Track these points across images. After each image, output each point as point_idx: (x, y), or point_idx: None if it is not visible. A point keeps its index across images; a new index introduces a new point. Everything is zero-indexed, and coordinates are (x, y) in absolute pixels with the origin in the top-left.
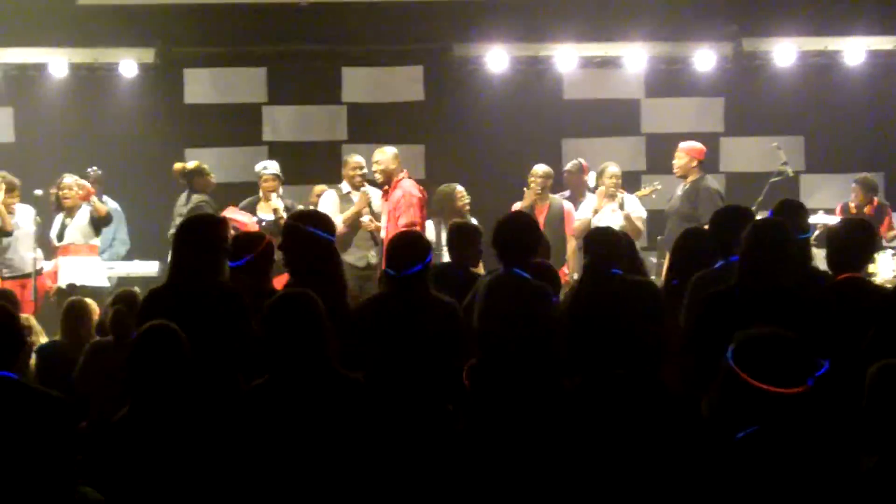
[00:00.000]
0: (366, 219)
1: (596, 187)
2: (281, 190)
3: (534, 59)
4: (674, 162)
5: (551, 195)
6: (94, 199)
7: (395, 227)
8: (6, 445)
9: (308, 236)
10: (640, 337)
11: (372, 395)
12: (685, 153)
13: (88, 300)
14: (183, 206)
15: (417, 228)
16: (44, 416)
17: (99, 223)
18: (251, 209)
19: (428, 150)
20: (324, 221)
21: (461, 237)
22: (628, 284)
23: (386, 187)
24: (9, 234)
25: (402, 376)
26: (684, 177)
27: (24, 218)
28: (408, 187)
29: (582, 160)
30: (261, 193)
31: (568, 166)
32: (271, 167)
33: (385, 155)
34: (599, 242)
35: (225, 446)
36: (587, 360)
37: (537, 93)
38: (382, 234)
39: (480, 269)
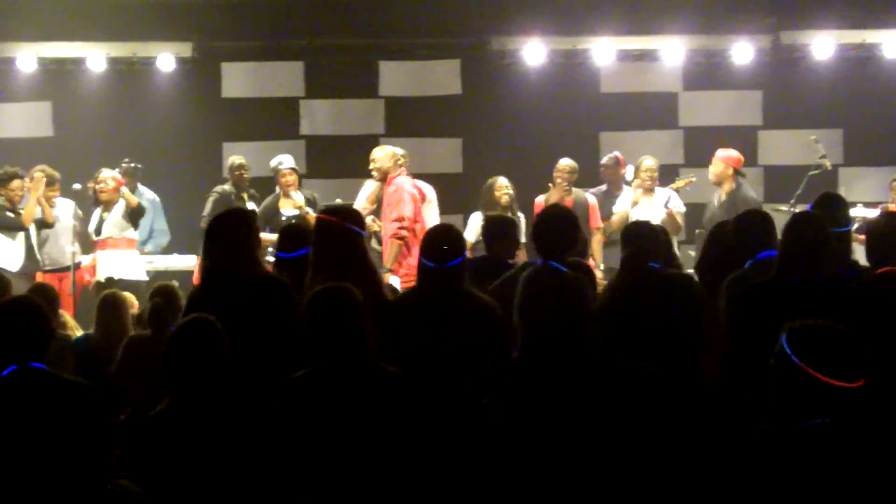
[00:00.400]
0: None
1: (633, 181)
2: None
3: (571, 53)
4: (710, 169)
5: (575, 189)
6: (123, 189)
7: (388, 223)
8: (36, 435)
9: (340, 231)
10: (677, 331)
11: (410, 388)
12: (721, 161)
13: (127, 294)
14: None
15: (407, 224)
16: (73, 405)
17: (133, 215)
18: (273, 207)
19: (465, 143)
20: (354, 215)
21: (493, 230)
22: (666, 278)
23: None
24: (50, 226)
25: (439, 369)
26: (719, 184)
27: (63, 212)
28: (400, 183)
29: (618, 154)
30: (279, 189)
31: (604, 160)
32: (287, 161)
33: (381, 152)
34: (637, 236)
35: (264, 439)
36: (623, 355)
37: (574, 86)
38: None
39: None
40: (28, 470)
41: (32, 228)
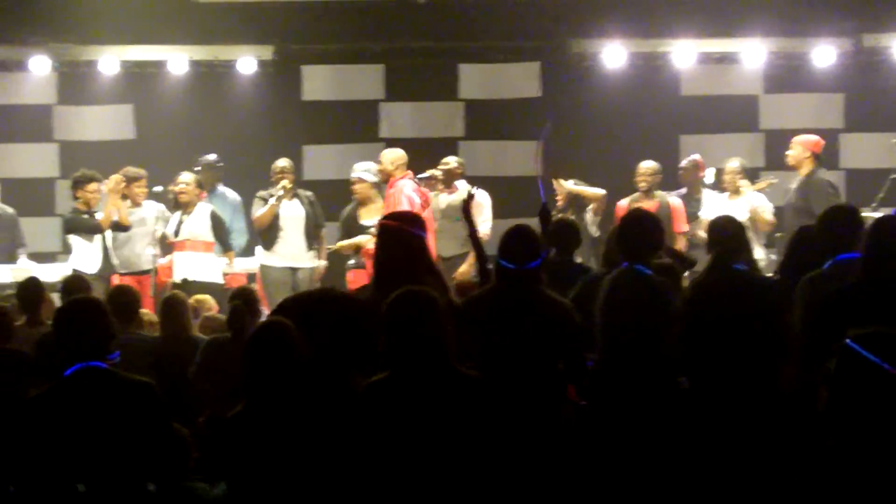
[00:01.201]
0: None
1: (713, 184)
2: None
3: (651, 55)
4: (788, 153)
5: (658, 192)
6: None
7: None
8: (97, 434)
9: (400, 234)
10: (757, 336)
11: (489, 391)
12: (800, 144)
13: (205, 297)
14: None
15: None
16: (133, 404)
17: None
18: (352, 216)
19: (544, 146)
20: (414, 219)
21: (563, 231)
22: (751, 281)
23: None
24: (125, 229)
25: (515, 371)
26: (797, 168)
27: (149, 214)
28: (401, 186)
29: (697, 157)
30: (356, 197)
31: (683, 163)
32: (364, 174)
33: (386, 156)
34: (724, 235)
35: (341, 443)
36: (704, 357)
37: (654, 89)
38: None
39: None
40: (89, 468)
41: (108, 231)
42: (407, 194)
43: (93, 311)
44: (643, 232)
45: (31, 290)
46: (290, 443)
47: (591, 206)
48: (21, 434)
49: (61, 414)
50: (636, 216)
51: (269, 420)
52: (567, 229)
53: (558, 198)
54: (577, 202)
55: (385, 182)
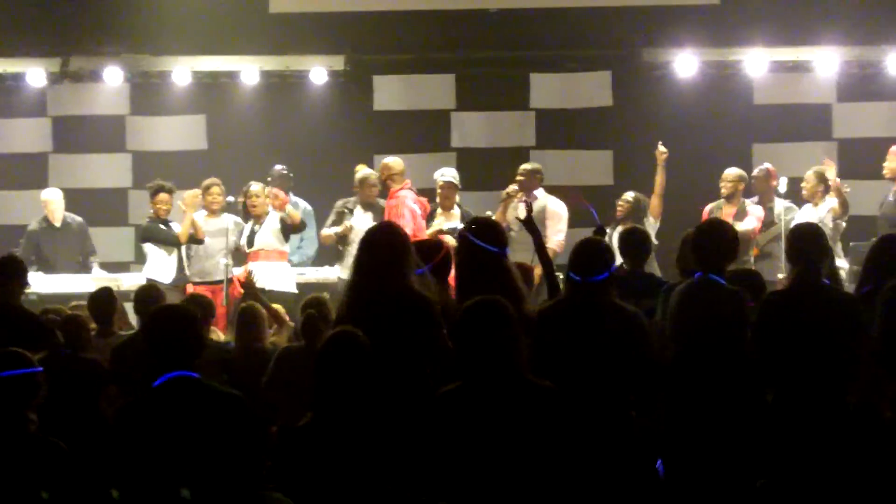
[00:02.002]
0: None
1: (786, 193)
2: (458, 197)
3: (723, 64)
4: (885, 164)
5: (743, 199)
6: (289, 208)
7: None
8: (188, 444)
9: (473, 247)
10: (833, 354)
11: (562, 402)
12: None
13: (278, 306)
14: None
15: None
16: (224, 415)
17: (290, 231)
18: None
19: (616, 155)
20: (488, 231)
21: (632, 241)
22: (838, 298)
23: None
24: (200, 242)
25: (587, 383)
26: (894, 179)
27: (223, 224)
28: (402, 197)
29: (769, 166)
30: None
31: (755, 172)
32: (448, 174)
33: (393, 160)
34: (808, 242)
35: (412, 453)
36: (782, 370)
37: (727, 98)
38: None
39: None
40: (180, 478)
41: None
42: (409, 206)
43: (185, 320)
44: (718, 242)
45: (103, 300)
46: (358, 453)
47: (649, 211)
48: (114, 441)
49: (152, 423)
50: (712, 225)
51: (337, 431)
52: (637, 239)
53: (619, 209)
54: (636, 212)
55: (385, 191)
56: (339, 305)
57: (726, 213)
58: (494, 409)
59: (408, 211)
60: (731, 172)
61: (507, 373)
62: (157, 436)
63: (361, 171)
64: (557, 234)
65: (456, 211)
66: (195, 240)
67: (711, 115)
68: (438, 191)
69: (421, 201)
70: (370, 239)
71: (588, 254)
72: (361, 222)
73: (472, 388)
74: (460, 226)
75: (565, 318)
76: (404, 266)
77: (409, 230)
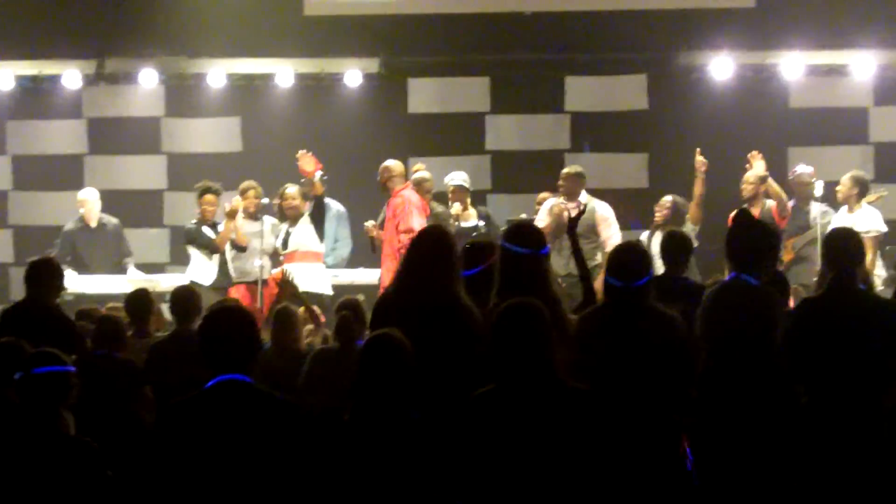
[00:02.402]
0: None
1: (822, 197)
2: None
3: (759, 67)
4: None
5: (765, 200)
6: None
7: (395, 234)
8: (237, 450)
9: (505, 252)
10: (875, 359)
11: (599, 405)
12: None
13: (315, 307)
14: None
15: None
16: (275, 422)
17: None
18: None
19: (651, 158)
20: (521, 235)
21: (673, 245)
22: (872, 302)
23: None
24: (243, 249)
25: (628, 388)
26: None
27: (262, 226)
28: (407, 196)
29: (806, 169)
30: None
31: (792, 175)
32: (458, 178)
33: (394, 163)
34: (845, 247)
35: (446, 454)
36: (816, 375)
37: (762, 101)
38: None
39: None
40: (224, 484)
41: (227, 246)
42: (415, 204)
43: (240, 320)
44: (753, 241)
45: (140, 300)
46: (395, 454)
47: (688, 217)
48: (155, 440)
49: (199, 425)
50: (744, 224)
51: (374, 431)
52: (677, 243)
53: (658, 215)
54: (676, 216)
55: (386, 190)
56: (378, 305)
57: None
58: (529, 412)
59: (415, 208)
60: (752, 174)
61: (542, 375)
62: (203, 439)
63: (419, 171)
64: (613, 237)
65: (472, 212)
66: (237, 246)
67: (747, 119)
68: (450, 195)
69: (424, 201)
70: (419, 242)
71: (628, 259)
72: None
73: (507, 390)
74: (479, 223)
75: (606, 323)
76: (451, 271)
77: (416, 227)
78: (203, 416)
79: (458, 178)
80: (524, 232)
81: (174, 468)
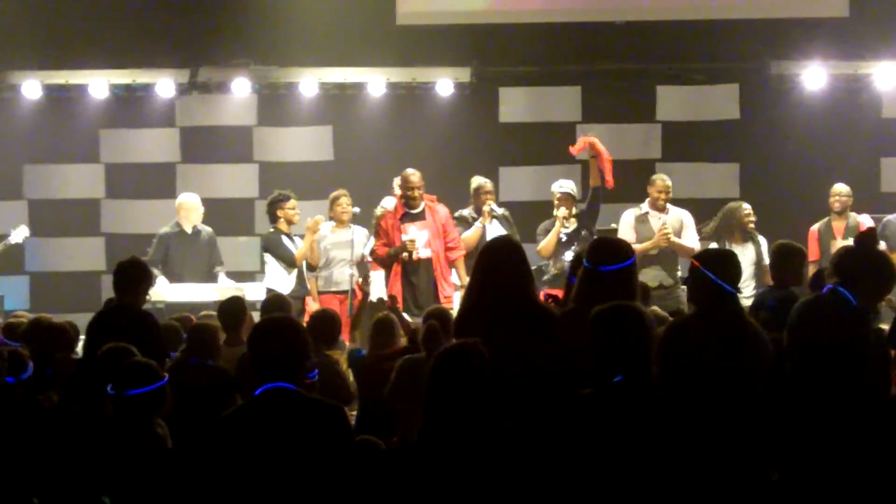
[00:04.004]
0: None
1: None
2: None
3: (852, 77)
4: None
5: (851, 213)
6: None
7: (445, 245)
8: (284, 456)
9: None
10: None
11: (690, 415)
12: None
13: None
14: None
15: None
16: (321, 427)
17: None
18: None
19: (742, 168)
20: (598, 252)
21: (782, 257)
22: None
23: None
24: (313, 268)
25: (713, 399)
26: None
27: (350, 235)
28: (442, 210)
29: None
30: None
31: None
32: (567, 185)
33: (416, 177)
34: None
35: (542, 461)
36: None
37: (855, 111)
38: (425, 254)
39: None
40: (272, 491)
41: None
42: (449, 216)
43: (287, 332)
44: (860, 261)
45: (233, 309)
46: (472, 465)
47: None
48: (211, 451)
49: (248, 433)
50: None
51: (450, 442)
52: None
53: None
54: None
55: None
56: (459, 315)
57: (837, 228)
58: (628, 417)
59: (451, 220)
60: (845, 188)
61: (641, 379)
62: (251, 445)
63: (476, 180)
64: (694, 241)
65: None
66: (310, 266)
67: (839, 129)
68: (556, 202)
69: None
70: (491, 251)
71: (725, 269)
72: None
73: (607, 394)
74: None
75: (693, 336)
76: (527, 278)
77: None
78: (251, 424)
79: (566, 185)
80: (606, 249)
81: (224, 477)
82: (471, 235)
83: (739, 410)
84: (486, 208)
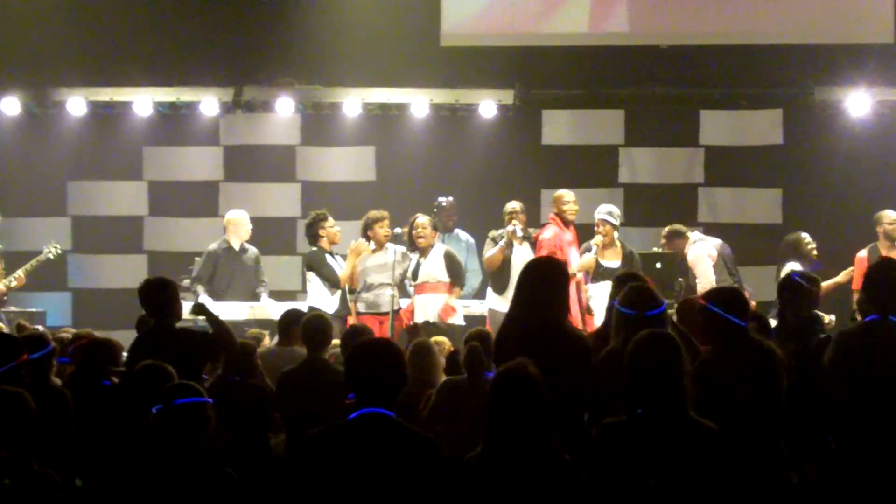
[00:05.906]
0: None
1: None
2: (617, 234)
3: None
4: None
5: None
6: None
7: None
8: (378, 480)
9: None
10: None
11: (723, 443)
12: None
13: (441, 339)
14: None
15: None
16: (415, 458)
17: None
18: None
19: (785, 194)
20: (630, 298)
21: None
22: None
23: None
24: (353, 291)
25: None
26: None
27: (391, 257)
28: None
29: None
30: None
31: None
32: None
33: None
34: None
35: (579, 489)
36: None
37: None
38: None
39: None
40: None
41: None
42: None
43: (389, 357)
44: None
45: (291, 318)
46: (528, 489)
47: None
48: (297, 467)
49: (340, 456)
50: (887, 266)
51: (509, 466)
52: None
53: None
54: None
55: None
56: (499, 335)
57: (886, 254)
58: (660, 446)
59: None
60: (893, 214)
61: (675, 409)
62: (343, 469)
63: (508, 204)
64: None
65: (618, 245)
66: (350, 288)
67: (884, 155)
68: (596, 228)
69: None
70: (533, 273)
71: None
72: (518, 253)
73: (638, 423)
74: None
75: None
76: (565, 302)
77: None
78: (345, 447)
79: (602, 210)
80: (634, 295)
81: (313, 496)
82: (493, 255)
83: (767, 430)
84: (508, 228)
